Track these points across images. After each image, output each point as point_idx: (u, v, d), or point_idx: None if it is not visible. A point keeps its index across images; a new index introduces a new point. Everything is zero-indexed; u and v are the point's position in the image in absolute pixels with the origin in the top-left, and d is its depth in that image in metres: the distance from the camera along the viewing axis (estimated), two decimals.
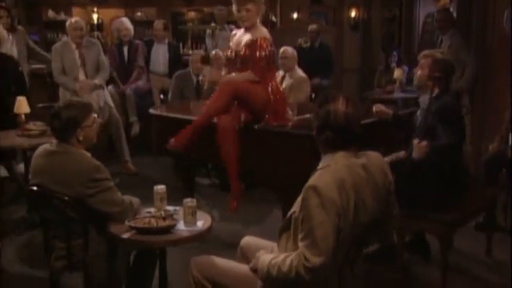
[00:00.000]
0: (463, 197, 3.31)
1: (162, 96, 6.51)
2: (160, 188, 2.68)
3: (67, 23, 5.47)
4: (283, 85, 5.09)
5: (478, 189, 3.74)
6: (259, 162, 3.53)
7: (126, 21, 6.40)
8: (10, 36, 5.46)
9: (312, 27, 7.43)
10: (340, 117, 1.94)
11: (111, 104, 5.65)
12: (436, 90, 3.23)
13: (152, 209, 2.67)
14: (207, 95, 4.80)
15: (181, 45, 8.69)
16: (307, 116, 3.26)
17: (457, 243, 3.76)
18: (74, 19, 5.54)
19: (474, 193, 3.48)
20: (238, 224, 4.13)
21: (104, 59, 5.68)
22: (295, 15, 8.90)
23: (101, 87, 5.50)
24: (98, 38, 7.76)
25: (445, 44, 5.31)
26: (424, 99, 3.37)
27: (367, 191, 1.96)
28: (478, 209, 3.55)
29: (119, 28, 6.31)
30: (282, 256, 1.95)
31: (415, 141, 3.12)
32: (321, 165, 2.02)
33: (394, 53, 7.06)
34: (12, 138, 4.28)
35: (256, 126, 3.59)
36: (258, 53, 3.58)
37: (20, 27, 5.89)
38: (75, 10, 9.10)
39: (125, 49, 6.28)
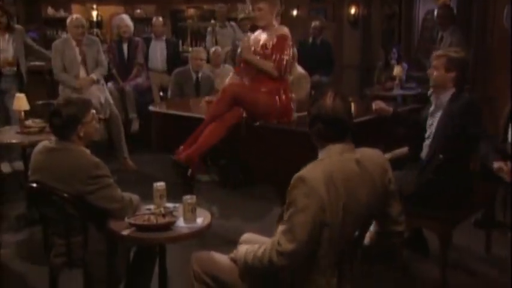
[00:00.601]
0: (465, 194, 3.31)
1: (161, 93, 6.51)
2: (159, 185, 2.68)
3: (68, 20, 5.47)
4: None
5: (477, 185, 3.74)
6: (259, 159, 3.54)
7: (126, 18, 6.39)
8: (7, 35, 5.46)
9: (315, 23, 7.43)
10: (328, 108, 2.00)
11: (111, 101, 5.65)
12: (453, 89, 3.18)
13: (152, 206, 2.67)
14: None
15: (180, 42, 8.69)
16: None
17: (456, 240, 3.75)
18: (75, 16, 5.53)
19: (473, 189, 3.47)
20: (238, 221, 4.13)
21: (103, 57, 5.68)
22: (294, 12, 8.90)
23: (98, 82, 5.50)
24: (97, 35, 7.76)
25: (445, 41, 5.31)
26: (443, 98, 3.28)
27: (361, 185, 1.97)
28: (477, 206, 3.55)
29: (119, 25, 6.31)
30: (258, 245, 2.01)
31: (498, 165, 3.06)
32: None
33: (394, 49, 7.05)
34: (12, 135, 4.28)
35: (256, 124, 3.60)
36: (279, 50, 3.60)
37: (18, 26, 5.88)
38: (75, 7, 9.10)
39: (125, 46, 6.28)
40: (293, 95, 3.83)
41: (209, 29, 7.33)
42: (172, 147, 3.80)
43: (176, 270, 3.20)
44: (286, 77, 3.82)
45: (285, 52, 3.62)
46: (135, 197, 2.73)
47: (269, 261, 1.92)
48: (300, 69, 5.32)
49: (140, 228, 2.47)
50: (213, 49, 6.23)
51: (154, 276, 2.83)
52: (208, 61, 6.16)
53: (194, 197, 2.56)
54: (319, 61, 7.13)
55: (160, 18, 7.01)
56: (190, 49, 7.17)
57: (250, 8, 3.74)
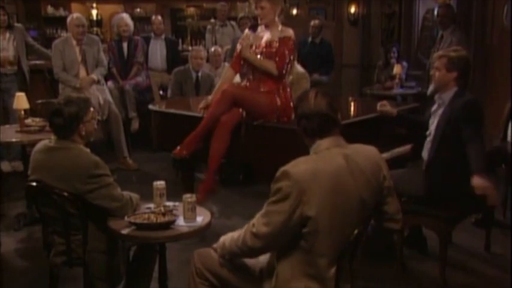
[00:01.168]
0: (465, 194, 3.31)
1: (161, 92, 6.51)
2: (159, 183, 2.68)
3: (68, 19, 5.47)
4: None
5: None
6: (259, 158, 3.54)
7: (126, 17, 6.39)
8: (8, 34, 5.46)
9: (315, 22, 7.43)
10: (311, 105, 2.06)
11: (111, 100, 5.65)
12: (455, 88, 3.18)
13: (152, 205, 2.67)
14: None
15: (180, 41, 8.69)
16: None
17: (456, 238, 3.77)
18: (75, 15, 5.53)
19: (473, 188, 3.47)
20: (238, 220, 4.13)
21: (103, 57, 5.69)
22: (294, 11, 8.89)
23: (99, 82, 5.51)
24: (97, 34, 7.76)
25: (445, 41, 5.31)
26: (445, 97, 3.28)
27: (349, 180, 1.97)
28: (477, 205, 3.55)
29: (118, 24, 6.30)
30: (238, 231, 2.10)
31: (476, 181, 2.95)
32: None
33: (394, 48, 7.05)
34: (11, 134, 4.28)
35: (256, 123, 3.60)
36: (284, 52, 3.59)
37: (18, 24, 5.89)
38: (74, 6, 9.11)
39: (124, 45, 6.27)
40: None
41: (209, 27, 7.32)
42: (172, 146, 3.81)
43: (176, 268, 3.21)
44: (285, 77, 3.82)
45: (289, 53, 3.62)
46: (135, 196, 2.73)
47: (243, 242, 2.02)
48: (299, 68, 5.32)
49: (140, 227, 2.47)
50: (212, 49, 6.22)
51: (154, 275, 2.83)
52: (207, 60, 6.16)
53: (194, 195, 2.56)
54: (318, 60, 7.13)
55: (160, 17, 7.01)
56: (190, 48, 7.17)
57: (253, 6, 3.72)
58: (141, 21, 8.94)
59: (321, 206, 1.91)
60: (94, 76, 5.43)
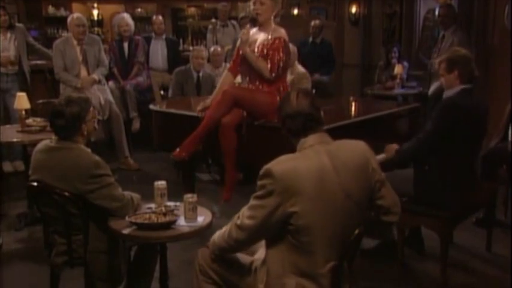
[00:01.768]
0: (466, 194, 3.31)
1: (162, 92, 6.51)
2: (160, 183, 2.68)
3: (68, 19, 5.47)
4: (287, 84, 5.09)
5: (478, 184, 3.74)
6: (260, 158, 3.54)
7: (127, 17, 6.39)
8: (9, 34, 5.46)
9: (315, 22, 7.44)
10: (293, 105, 2.10)
11: (112, 100, 5.66)
12: (461, 86, 3.22)
13: (153, 205, 2.67)
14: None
15: (181, 41, 8.70)
16: None
17: (457, 238, 3.77)
18: (76, 15, 5.54)
19: (474, 188, 3.47)
20: None
21: (104, 56, 5.70)
22: (295, 11, 8.89)
23: (100, 82, 5.51)
24: (98, 34, 7.76)
25: (447, 41, 5.30)
26: (449, 93, 3.33)
27: (333, 176, 1.97)
28: (478, 205, 3.56)
29: (119, 24, 6.31)
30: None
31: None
32: None
33: (395, 48, 7.05)
34: (12, 134, 4.29)
35: (257, 123, 3.60)
36: (276, 53, 3.57)
37: (19, 24, 5.89)
38: (75, 6, 9.12)
39: (125, 45, 6.27)
40: None
41: (210, 27, 7.32)
42: (173, 146, 3.80)
43: (177, 268, 3.21)
44: (284, 76, 3.81)
45: (281, 55, 3.58)
46: (135, 196, 2.73)
47: (229, 235, 2.08)
48: (300, 68, 5.33)
49: (141, 226, 2.47)
50: (212, 49, 6.22)
51: (155, 275, 2.83)
52: (208, 60, 6.16)
53: (195, 195, 2.56)
54: (319, 60, 7.13)
55: (160, 17, 7.01)
56: (191, 48, 7.17)
57: (252, 1, 3.67)
58: (141, 21, 8.95)
59: (305, 203, 1.92)
60: (95, 76, 5.44)
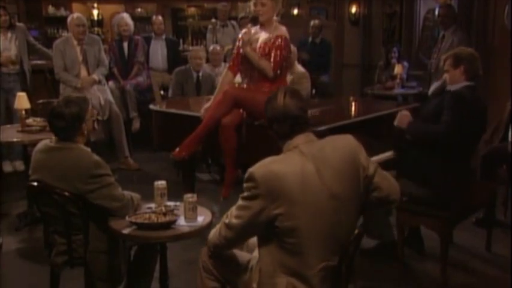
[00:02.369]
0: (466, 192, 3.32)
1: (162, 92, 6.51)
2: (160, 183, 2.68)
3: (68, 19, 5.47)
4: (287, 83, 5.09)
5: (478, 184, 3.75)
6: (260, 158, 3.54)
7: (126, 17, 6.39)
8: (9, 33, 5.46)
9: (314, 22, 7.45)
10: (280, 107, 2.07)
11: (112, 100, 5.66)
12: (465, 82, 3.24)
13: (153, 205, 2.67)
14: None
15: (181, 41, 8.70)
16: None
17: (457, 238, 3.77)
18: (76, 15, 5.54)
19: (474, 188, 3.48)
20: None
21: (104, 56, 5.70)
22: (295, 11, 8.89)
23: (100, 82, 5.51)
24: (98, 34, 7.75)
25: (447, 41, 5.30)
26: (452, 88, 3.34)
27: (315, 177, 1.96)
28: (478, 205, 3.56)
29: (119, 24, 6.31)
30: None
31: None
32: None
33: (395, 48, 7.05)
34: (12, 134, 4.29)
35: (257, 123, 3.60)
36: (277, 51, 3.57)
37: (20, 24, 5.89)
38: (75, 6, 9.11)
39: (125, 45, 6.27)
40: None
41: (209, 27, 7.32)
42: (173, 146, 3.80)
43: (177, 268, 3.21)
44: (285, 75, 3.80)
45: (282, 53, 3.58)
46: (136, 196, 2.73)
47: (219, 232, 2.12)
48: (300, 68, 5.32)
49: (141, 226, 2.47)
50: (211, 48, 6.23)
51: (155, 275, 2.83)
52: (208, 60, 6.16)
53: (195, 195, 2.56)
54: (318, 60, 7.14)
55: (160, 17, 7.01)
56: (191, 48, 7.17)
57: (252, 2, 3.66)
58: (141, 21, 8.94)
59: (289, 206, 1.93)
60: (95, 76, 5.44)
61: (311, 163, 1.99)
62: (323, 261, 2.00)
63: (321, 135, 2.16)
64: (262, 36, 3.66)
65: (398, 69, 6.61)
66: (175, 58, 6.76)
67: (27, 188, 2.73)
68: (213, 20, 7.30)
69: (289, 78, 5.20)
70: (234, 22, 7.28)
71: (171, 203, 2.67)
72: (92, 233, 2.65)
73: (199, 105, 4.03)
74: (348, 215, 2.04)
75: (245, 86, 3.75)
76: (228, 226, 2.07)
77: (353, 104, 5.02)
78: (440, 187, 3.14)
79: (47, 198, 2.61)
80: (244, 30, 3.71)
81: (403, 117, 3.32)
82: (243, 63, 3.74)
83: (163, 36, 6.83)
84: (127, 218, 2.51)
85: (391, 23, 8.09)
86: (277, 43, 3.58)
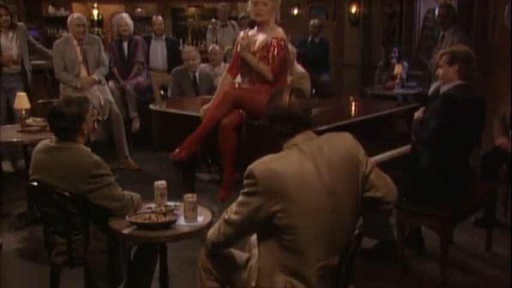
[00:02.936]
0: (465, 192, 3.32)
1: (162, 92, 6.51)
2: (160, 183, 2.68)
3: (68, 19, 5.48)
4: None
5: (478, 184, 3.75)
6: (259, 157, 3.54)
7: (126, 17, 6.39)
8: (10, 33, 5.47)
9: (314, 22, 7.46)
10: (284, 106, 2.06)
11: (112, 100, 5.66)
12: (458, 81, 3.24)
13: (153, 205, 2.67)
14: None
15: (181, 41, 8.69)
16: None
17: (457, 238, 3.77)
18: (76, 15, 5.54)
19: (474, 188, 3.48)
20: None
21: (104, 56, 5.70)
22: (295, 11, 8.89)
23: (100, 82, 5.52)
24: (98, 34, 7.75)
25: (447, 41, 5.30)
26: (443, 89, 3.34)
27: (314, 176, 1.97)
28: (478, 204, 3.56)
29: (118, 23, 6.31)
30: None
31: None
32: None
33: (395, 48, 7.05)
34: (12, 134, 4.29)
35: (257, 123, 3.60)
36: (276, 54, 3.56)
37: (20, 23, 5.89)
38: (75, 6, 9.11)
39: (125, 45, 6.27)
40: None
41: (209, 27, 7.33)
42: (173, 146, 3.80)
43: (177, 268, 3.21)
44: (285, 76, 3.80)
45: (280, 55, 3.57)
46: (136, 196, 2.73)
47: (218, 229, 2.13)
48: (300, 68, 5.31)
49: (141, 226, 2.47)
50: (210, 48, 6.23)
51: (155, 275, 2.83)
52: (208, 60, 6.16)
53: (195, 195, 2.56)
54: (317, 59, 7.15)
55: (160, 17, 7.01)
56: (183, 49, 7.16)
57: (250, 2, 3.64)
58: (141, 21, 8.94)
59: (287, 204, 1.94)
60: (95, 76, 5.44)
61: (310, 161, 1.99)
62: (321, 260, 2.00)
63: (320, 135, 2.16)
64: (260, 38, 3.64)
65: (398, 69, 6.61)
66: (176, 58, 6.75)
67: (27, 188, 2.73)
68: (213, 20, 7.30)
69: (289, 78, 5.21)
70: (234, 22, 7.28)
71: (171, 203, 2.67)
72: (92, 233, 2.65)
73: (199, 105, 4.03)
74: (347, 214, 2.05)
75: (246, 86, 3.75)
76: (227, 222, 2.08)
77: (353, 104, 5.02)
78: (439, 187, 3.14)
79: (47, 198, 2.61)
80: (242, 35, 3.68)
81: (419, 113, 3.38)
82: (243, 66, 3.74)
83: (163, 37, 6.83)
84: (127, 218, 2.51)
85: (391, 23, 8.09)
86: (274, 45, 3.57)
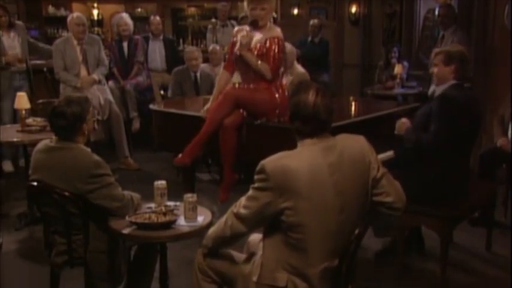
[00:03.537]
0: (465, 192, 3.32)
1: (162, 92, 6.51)
2: (160, 183, 2.68)
3: (68, 18, 5.48)
4: (283, 82, 5.08)
5: (478, 184, 3.75)
6: (260, 158, 3.54)
7: (125, 17, 6.38)
8: (12, 33, 5.47)
9: (313, 22, 7.46)
10: (309, 106, 2.01)
11: (112, 100, 5.65)
12: (453, 81, 3.24)
13: (153, 205, 2.67)
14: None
15: (181, 41, 8.70)
16: None
17: (457, 238, 3.77)
18: (76, 14, 5.54)
19: (474, 188, 3.48)
20: None
21: (104, 56, 5.70)
22: (295, 11, 8.89)
23: (100, 82, 5.51)
24: (98, 34, 7.75)
25: (447, 41, 5.31)
26: (438, 90, 3.34)
27: (326, 176, 1.97)
28: (478, 204, 3.56)
29: (118, 23, 6.30)
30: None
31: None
32: None
33: (395, 48, 7.05)
34: (12, 134, 4.29)
35: (257, 122, 3.60)
36: (275, 53, 3.56)
37: (19, 22, 5.89)
38: (75, 6, 9.11)
39: (125, 45, 6.27)
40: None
41: (209, 27, 7.32)
42: (173, 146, 3.81)
43: (177, 268, 3.21)
44: (279, 75, 3.80)
45: (279, 55, 3.58)
46: (136, 196, 2.73)
47: (225, 222, 2.12)
48: (300, 68, 5.32)
49: (141, 226, 2.47)
50: (210, 47, 6.22)
51: (155, 275, 2.83)
52: (208, 60, 6.16)
53: (195, 195, 2.56)
54: (317, 59, 7.15)
55: (158, 17, 7.00)
56: (185, 48, 7.16)
57: (246, 7, 3.65)
58: (141, 21, 8.94)
59: (296, 201, 1.94)
60: (95, 76, 5.44)
61: (322, 160, 1.99)
62: (325, 261, 2.01)
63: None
64: (257, 37, 3.65)
65: (398, 69, 6.61)
66: (174, 57, 6.76)
67: (27, 188, 2.73)
68: (213, 20, 7.30)
69: (289, 78, 5.22)
70: (234, 22, 7.27)
71: (171, 203, 2.67)
72: (92, 233, 2.65)
73: (199, 105, 4.03)
74: (353, 215, 2.05)
75: (245, 86, 3.74)
76: (236, 215, 2.08)
77: (353, 103, 5.02)
78: (439, 187, 3.14)
79: (47, 198, 2.61)
80: (242, 33, 3.67)
81: (401, 125, 3.33)
82: (238, 63, 3.73)
83: (161, 37, 6.83)
84: (127, 218, 2.51)
85: (391, 23, 8.09)
86: (273, 45, 3.58)
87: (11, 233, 4.09)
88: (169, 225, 2.48)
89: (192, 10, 9.88)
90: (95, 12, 9.12)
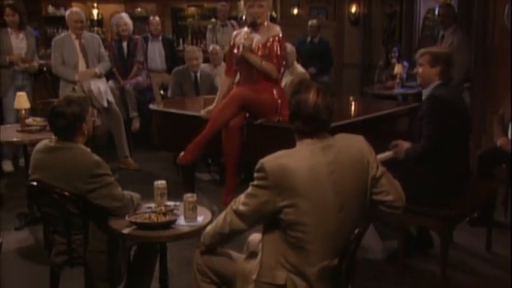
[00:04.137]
0: (464, 192, 3.32)
1: (162, 91, 6.51)
2: (160, 183, 2.68)
3: (66, 14, 5.49)
4: (283, 82, 5.08)
5: (478, 184, 3.75)
6: (259, 156, 3.54)
7: (125, 17, 6.38)
8: (21, 34, 5.47)
9: (312, 22, 7.46)
10: (310, 106, 2.02)
11: (112, 99, 5.65)
12: (438, 82, 3.25)
13: (152, 204, 2.67)
14: None
15: (181, 41, 8.69)
16: None
17: (457, 238, 3.77)
18: (74, 9, 5.56)
19: (474, 188, 3.48)
20: None
21: (104, 52, 5.70)
22: (295, 11, 8.89)
23: (100, 76, 5.50)
24: (98, 33, 7.74)
25: (446, 40, 5.31)
26: (426, 92, 3.36)
27: (324, 175, 1.97)
28: (478, 204, 3.56)
29: (117, 23, 6.30)
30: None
31: (395, 142, 3.40)
32: None
33: (395, 48, 7.06)
34: (12, 134, 4.29)
35: (258, 122, 3.61)
36: (278, 51, 3.56)
37: (29, 27, 5.87)
38: (75, 5, 9.08)
39: (124, 45, 6.26)
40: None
41: (209, 26, 7.32)
42: (173, 145, 3.80)
43: (177, 268, 3.21)
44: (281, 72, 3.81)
45: (281, 52, 3.59)
46: (135, 196, 2.73)
47: (224, 218, 2.13)
48: (300, 68, 5.32)
49: (141, 226, 2.47)
50: (210, 47, 6.22)
51: (155, 274, 2.83)
52: (208, 60, 6.16)
53: (195, 195, 2.56)
54: (317, 59, 7.15)
55: (157, 18, 7.00)
56: (186, 48, 7.15)
57: (247, 4, 3.64)
58: (141, 21, 8.93)
59: (295, 200, 1.94)
60: (96, 69, 5.43)
61: (321, 159, 2.00)
62: (324, 260, 2.01)
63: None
64: (257, 37, 3.65)
65: (398, 69, 6.61)
66: (174, 57, 6.76)
67: (27, 188, 2.73)
68: (213, 20, 7.30)
69: (289, 78, 5.23)
70: (234, 22, 7.28)
71: (171, 203, 2.67)
72: (92, 233, 2.65)
73: (199, 104, 4.03)
74: (352, 215, 2.05)
75: (249, 87, 3.73)
76: (235, 212, 2.09)
77: (353, 103, 5.02)
78: (438, 187, 3.14)
79: (47, 198, 2.61)
80: (244, 36, 3.67)
81: (398, 151, 3.35)
82: (239, 64, 3.73)
83: (160, 37, 6.83)
84: (127, 217, 2.51)
85: (391, 23, 8.10)
86: (275, 43, 3.58)
87: (11, 232, 4.09)
88: (169, 225, 2.48)
89: (191, 10, 9.87)
90: (95, 12, 9.11)
